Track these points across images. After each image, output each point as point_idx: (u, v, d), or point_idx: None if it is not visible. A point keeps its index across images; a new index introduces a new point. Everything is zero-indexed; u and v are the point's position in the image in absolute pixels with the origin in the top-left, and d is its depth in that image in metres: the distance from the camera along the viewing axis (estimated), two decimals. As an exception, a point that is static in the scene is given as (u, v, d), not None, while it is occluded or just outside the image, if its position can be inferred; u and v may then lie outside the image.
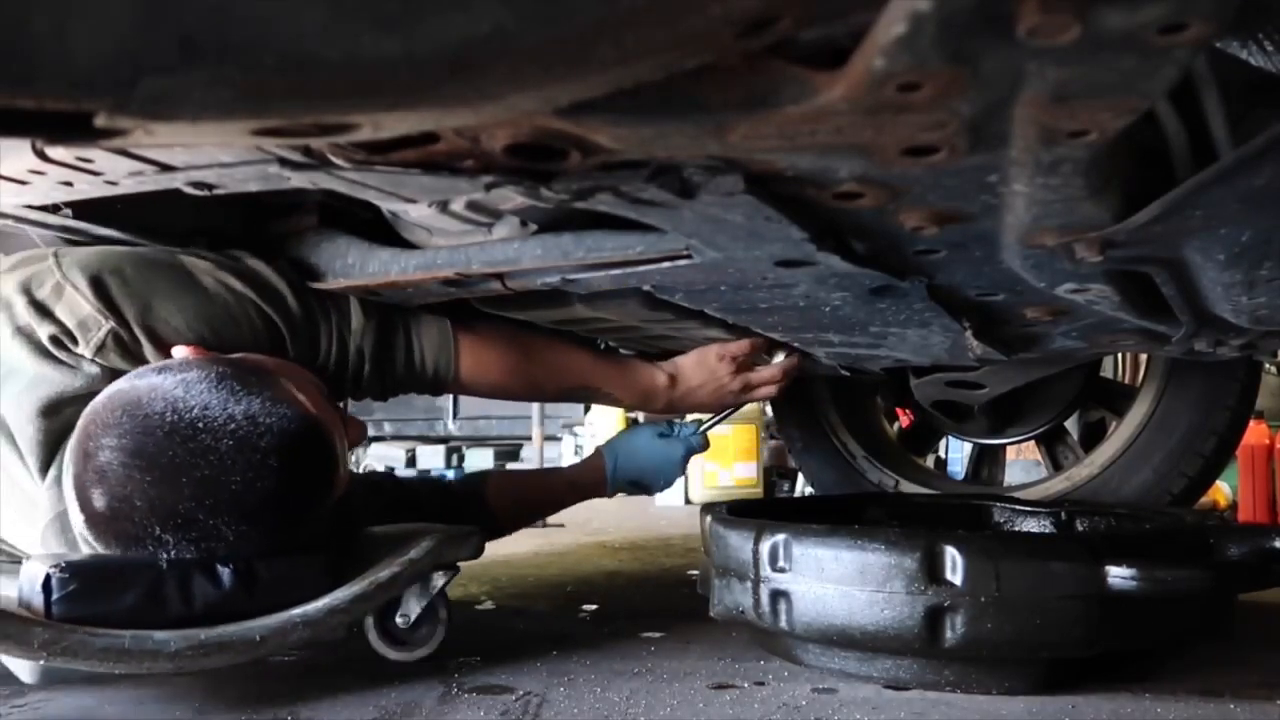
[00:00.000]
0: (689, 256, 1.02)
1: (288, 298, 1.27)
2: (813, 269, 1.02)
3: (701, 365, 1.65)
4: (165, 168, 0.93)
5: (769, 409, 2.54)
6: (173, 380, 1.06)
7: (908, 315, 1.27)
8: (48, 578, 1.00)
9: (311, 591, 1.11)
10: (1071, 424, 2.34)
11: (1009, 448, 2.37)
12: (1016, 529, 1.58)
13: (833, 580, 1.10)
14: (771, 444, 5.00)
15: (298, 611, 1.09)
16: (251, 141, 0.78)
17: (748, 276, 1.09)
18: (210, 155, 0.91)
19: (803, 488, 4.44)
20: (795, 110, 0.60)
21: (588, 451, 5.97)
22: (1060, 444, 2.17)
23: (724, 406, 1.73)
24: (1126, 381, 3.25)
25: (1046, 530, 1.54)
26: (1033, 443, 2.22)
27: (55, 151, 0.89)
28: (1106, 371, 2.76)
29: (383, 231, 1.25)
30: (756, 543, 1.17)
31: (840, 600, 1.10)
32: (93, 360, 1.15)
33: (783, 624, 1.15)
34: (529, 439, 6.77)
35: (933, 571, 1.06)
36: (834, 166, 0.73)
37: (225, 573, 1.06)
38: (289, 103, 0.48)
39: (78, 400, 1.11)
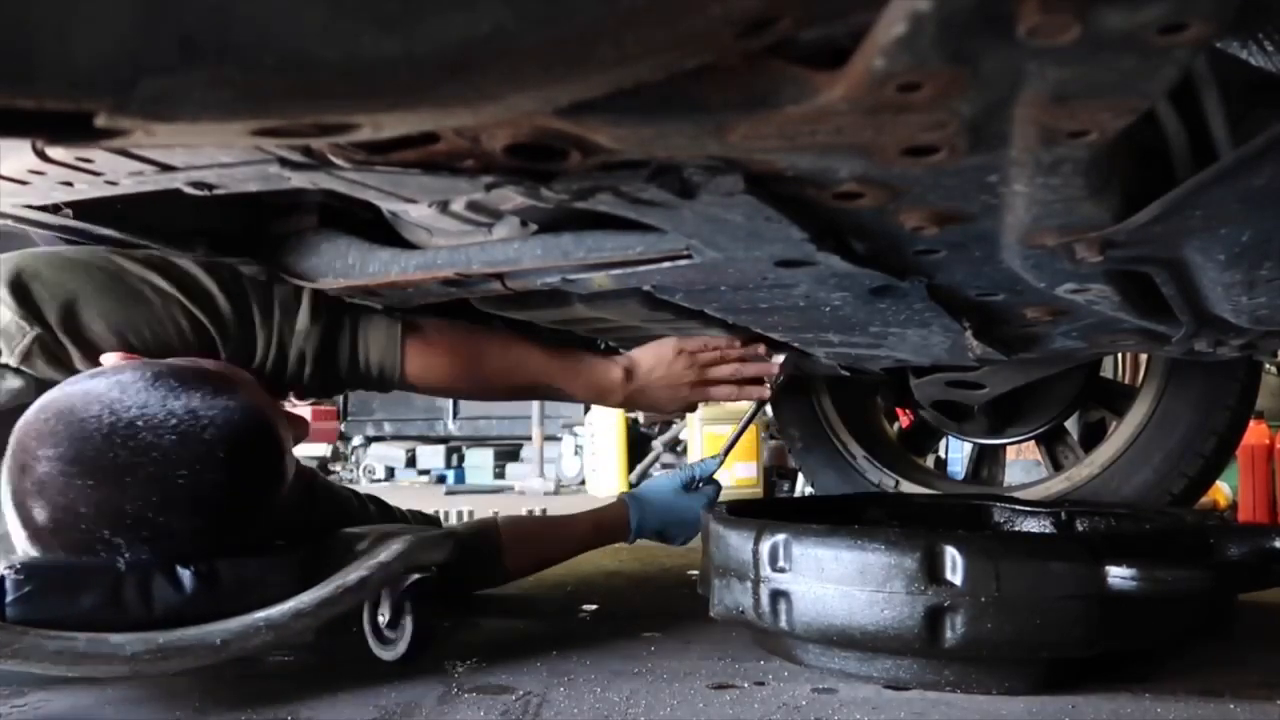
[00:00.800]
0: (689, 256, 1.02)
1: (218, 299, 1.25)
2: (813, 269, 1.02)
3: (658, 359, 1.60)
4: (165, 168, 0.94)
5: (769, 409, 2.53)
6: (106, 383, 1.04)
7: (908, 315, 1.27)
8: (1, 579, 0.98)
9: (277, 594, 1.08)
10: (1071, 424, 2.34)
11: (1009, 448, 2.37)
12: (1016, 529, 1.58)
13: (833, 580, 1.10)
14: (771, 444, 5.00)
15: (261, 615, 1.06)
16: (251, 141, 0.77)
17: (748, 276, 1.09)
18: (210, 155, 0.91)
19: (803, 488, 4.44)
20: (795, 110, 0.60)
21: (587, 451, 5.97)
22: (1060, 444, 2.17)
23: (679, 405, 1.68)
24: (1126, 381, 3.25)
25: (1046, 530, 1.54)
26: (1033, 443, 2.22)
27: (55, 151, 0.89)
28: (1106, 371, 2.76)
29: (383, 231, 1.26)
30: (756, 543, 1.17)
31: (840, 600, 1.10)
32: (17, 371, 1.13)
33: (783, 624, 1.15)
34: (529, 439, 6.77)
35: (933, 571, 1.06)
36: (834, 166, 0.74)
37: (186, 574, 1.04)
38: (289, 103, 0.48)
39: (3, 416, 1.09)
